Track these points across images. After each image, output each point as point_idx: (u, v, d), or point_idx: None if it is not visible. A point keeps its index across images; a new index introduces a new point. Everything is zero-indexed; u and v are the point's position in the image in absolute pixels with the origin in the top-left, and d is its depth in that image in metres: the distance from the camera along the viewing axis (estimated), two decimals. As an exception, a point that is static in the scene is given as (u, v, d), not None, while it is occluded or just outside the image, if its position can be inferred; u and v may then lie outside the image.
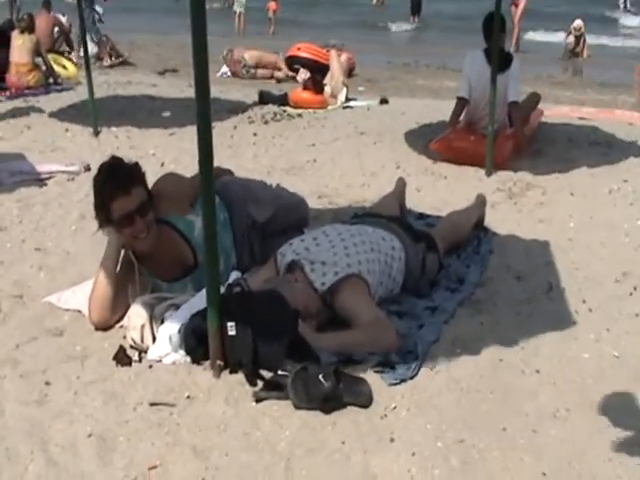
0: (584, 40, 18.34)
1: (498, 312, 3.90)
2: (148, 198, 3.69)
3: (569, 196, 5.93)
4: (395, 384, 3.14)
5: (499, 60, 6.62)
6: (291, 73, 12.49)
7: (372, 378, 3.14)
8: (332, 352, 3.30)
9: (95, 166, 3.83)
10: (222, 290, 3.34)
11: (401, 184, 5.35)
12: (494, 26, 6.61)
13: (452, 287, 4.16)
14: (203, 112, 2.97)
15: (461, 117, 7.39)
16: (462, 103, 7.27)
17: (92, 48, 14.07)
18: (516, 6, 19.05)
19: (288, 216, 4.47)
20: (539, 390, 3.16)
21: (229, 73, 13.46)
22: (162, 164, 6.73)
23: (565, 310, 3.94)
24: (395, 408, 2.99)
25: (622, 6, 31.24)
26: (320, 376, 2.95)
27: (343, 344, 3.40)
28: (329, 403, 2.94)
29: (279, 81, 12.71)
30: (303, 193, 5.09)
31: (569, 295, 4.12)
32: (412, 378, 3.20)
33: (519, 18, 19.28)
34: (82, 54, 8.99)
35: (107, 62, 14.88)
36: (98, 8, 16.06)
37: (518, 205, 5.73)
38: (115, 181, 3.60)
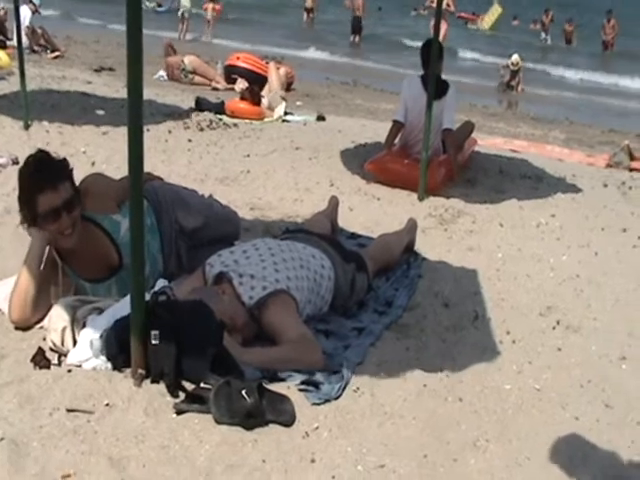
0: (520, 75, 18.71)
1: (424, 338, 3.91)
2: (75, 194, 3.63)
3: (498, 227, 6.00)
4: (318, 404, 3.11)
5: (436, 87, 6.69)
6: (229, 86, 12.44)
7: (296, 396, 3.10)
8: (256, 367, 3.27)
9: (24, 160, 3.72)
10: (147, 297, 3.28)
11: (334, 202, 5.35)
12: (431, 53, 6.69)
13: (380, 310, 4.16)
14: (135, 113, 2.90)
15: (396, 140, 7.45)
16: (398, 126, 7.34)
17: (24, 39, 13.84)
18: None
19: (218, 228, 4.42)
20: (461, 419, 3.16)
21: (165, 77, 13.33)
22: (93, 163, 6.61)
23: (490, 340, 3.97)
24: (317, 428, 2.96)
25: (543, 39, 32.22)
26: (243, 391, 2.90)
27: (268, 360, 3.37)
28: (251, 419, 2.89)
29: (216, 89, 12.62)
30: (236, 204, 5.06)
31: (494, 325, 4.15)
32: (336, 399, 3.17)
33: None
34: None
35: (50, 55, 14.67)
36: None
37: (448, 232, 5.78)
38: (42, 175, 3.54)
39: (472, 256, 5.27)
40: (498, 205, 6.59)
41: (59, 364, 3.28)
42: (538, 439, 3.09)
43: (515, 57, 18.49)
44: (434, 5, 19.35)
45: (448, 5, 24.50)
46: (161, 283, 3.67)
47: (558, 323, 4.26)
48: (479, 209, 6.40)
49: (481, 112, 14.08)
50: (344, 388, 3.25)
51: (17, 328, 3.57)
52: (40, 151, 3.71)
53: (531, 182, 7.56)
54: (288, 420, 2.96)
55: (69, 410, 2.91)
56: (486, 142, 9.39)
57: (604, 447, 3.08)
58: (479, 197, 6.76)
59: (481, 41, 31.13)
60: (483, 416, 3.21)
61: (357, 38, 27.77)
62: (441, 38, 18.65)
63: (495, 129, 11.99)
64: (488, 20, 37.97)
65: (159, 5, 32.65)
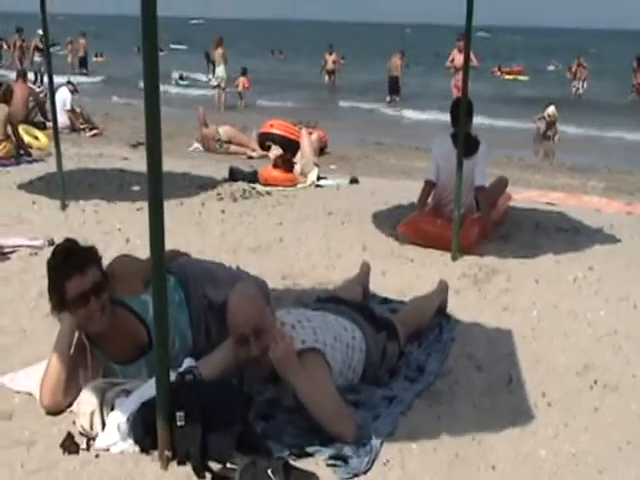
0: (556, 126, 18.67)
1: (456, 404, 3.85)
2: (103, 278, 3.65)
3: (534, 283, 5.93)
4: (347, 479, 3.06)
5: (466, 144, 6.68)
6: (265, 153, 12.55)
7: (323, 472, 3.07)
8: (286, 442, 3.23)
9: (60, 241, 3.78)
10: (174, 376, 3.28)
11: (365, 268, 5.34)
12: (460, 111, 6.70)
13: (411, 376, 4.11)
14: (155, 190, 2.94)
15: (430, 199, 7.43)
16: (429, 186, 7.32)
17: (65, 120, 14.17)
18: (458, 90, 18.72)
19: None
20: (494, 488, 3.10)
21: (201, 148, 13.51)
22: (127, 240, 6.68)
23: (524, 403, 3.89)
24: (346, 505, 2.92)
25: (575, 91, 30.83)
26: (269, 471, 2.88)
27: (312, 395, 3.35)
28: (278, 499, 2.86)
29: (251, 157, 12.73)
30: (267, 273, 5.06)
31: (529, 387, 4.08)
32: (365, 473, 3.13)
33: None
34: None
35: (88, 133, 14.96)
36: (72, 79, 16.19)
37: (482, 292, 5.71)
38: (70, 261, 3.57)
39: (507, 315, 5.20)
40: (533, 261, 6.52)
41: (88, 449, 3.28)
42: (575, 507, 3.01)
43: (551, 109, 18.50)
44: (454, 63, 19.43)
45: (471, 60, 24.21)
46: (187, 362, 3.66)
47: (595, 382, 4.17)
48: (514, 266, 6.34)
49: (517, 165, 14.03)
50: (373, 461, 3.21)
51: (49, 413, 3.58)
52: (67, 240, 3.75)
53: (568, 235, 7.46)
54: (315, 498, 2.92)
55: (95, 497, 2.91)
56: (521, 196, 9.30)
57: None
58: (514, 253, 6.69)
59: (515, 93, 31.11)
60: (517, 485, 3.14)
61: (396, 98, 27.61)
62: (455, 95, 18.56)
63: (532, 181, 11.90)
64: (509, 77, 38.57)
65: (181, 78, 33.33)
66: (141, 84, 2.92)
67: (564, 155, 16.37)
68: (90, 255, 3.68)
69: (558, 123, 18.79)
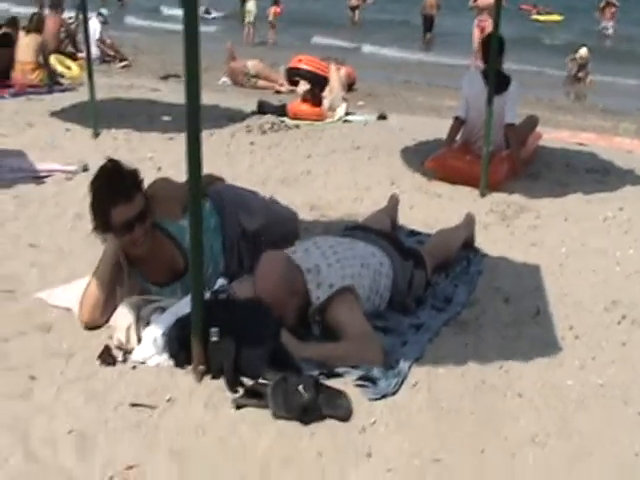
0: (588, 67, 18.37)
1: (483, 333, 3.90)
2: (146, 204, 3.67)
3: (563, 221, 5.92)
4: (375, 399, 3.14)
5: (497, 82, 6.63)
6: (292, 88, 12.47)
7: (353, 392, 3.14)
8: (315, 363, 3.31)
9: (93, 167, 3.80)
10: (207, 295, 3.35)
11: (394, 200, 5.37)
12: (491, 48, 6.64)
13: (439, 306, 4.16)
14: (192, 117, 2.98)
15: (458, 136, 7.41)
16: (459, 123, 7.29)
17: (96, 51, 14.13)
18: (481, 31, 17.91)
19: (278, 228, 4.47)
20: (520, 414, 3.15)
21: (229, 82, 13.45)
22: (159, 168, 6.71)
23: (551, 335, 3.93)
24: (374, 423, 2.99)
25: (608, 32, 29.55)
26: (300, 387, 2.95)
27: (328, 356, 3.40)
28: (307, 414, 2.93)
29: (279, 92, 12.67)
30: (296, 204, 5.11)
31: (556, 321, 4.11)
32: (393, 394, 3.20)
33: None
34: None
35: (118, 65, 14.92)
36: (103, 10, 16.11)
37: (510, 227, 5.73)
38: (116, 187, 3.57)
39: (535, 252, 5.21)
40: (563, 199, 6.50)
41: (124, 361, 3.38)
42: (600, 435, 3.06)
43: (584, 50, 18.15)
44: (477, 3, 19.22)
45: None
46: (221, 282, 3.73)
47: (623, 318, 4.19)
48: (543, 204, 6.32)
49: (547, 105, 13.82)
50: (401, 384, 3.28)
51: (87, 328, 3.68)
52: (111, 161, 3.71)
53: (598, 175, 7.41)
54: (344, 415, 3.00)
55: (133, 405, 3.01)
56: (552, 136, 9.18)
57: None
58: (543, 192, 6.66)
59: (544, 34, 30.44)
60: (543, 412, 3.19)
61: (428, 36, 27.04)
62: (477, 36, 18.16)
63: (562, 122, 11.74)
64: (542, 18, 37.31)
65: (207, 12, 32.79)
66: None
67: (595, 97, 16.08)
68: (135, 180, 3.67)
69: (590, 65, 18.48)
